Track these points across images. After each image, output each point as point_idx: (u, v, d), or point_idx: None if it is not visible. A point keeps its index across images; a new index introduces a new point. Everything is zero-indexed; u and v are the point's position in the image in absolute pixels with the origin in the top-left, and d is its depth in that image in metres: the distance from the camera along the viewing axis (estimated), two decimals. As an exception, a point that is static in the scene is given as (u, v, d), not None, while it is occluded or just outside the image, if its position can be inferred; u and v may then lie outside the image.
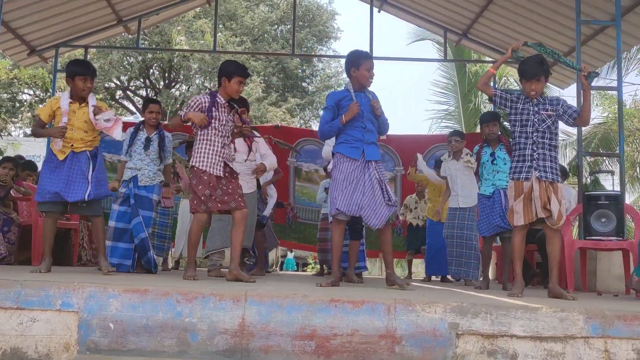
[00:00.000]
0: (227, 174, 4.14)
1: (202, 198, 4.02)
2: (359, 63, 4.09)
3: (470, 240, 5.55)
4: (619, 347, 2.67)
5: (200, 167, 4.05)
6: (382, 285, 4.31)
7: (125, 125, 4.91)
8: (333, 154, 4.15)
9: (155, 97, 17.46)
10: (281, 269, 17.94)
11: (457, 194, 5.61)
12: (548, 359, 2.66)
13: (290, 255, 20.40)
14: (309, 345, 2.63)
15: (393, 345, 2.63)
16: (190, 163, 4.17)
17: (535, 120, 3.83)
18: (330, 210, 4.09)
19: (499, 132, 5.31)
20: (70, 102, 4.20)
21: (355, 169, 4.00)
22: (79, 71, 4.21)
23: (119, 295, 2.70)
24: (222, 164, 4.11)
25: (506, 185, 4.91)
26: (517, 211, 3.82)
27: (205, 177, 4.03)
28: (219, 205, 4.08)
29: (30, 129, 4.61)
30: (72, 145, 4.16)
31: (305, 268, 21.00)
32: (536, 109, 3.84)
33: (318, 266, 7.91)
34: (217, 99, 4.14)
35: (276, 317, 2.66)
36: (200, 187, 4.03)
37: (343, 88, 4.27)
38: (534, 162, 3.81)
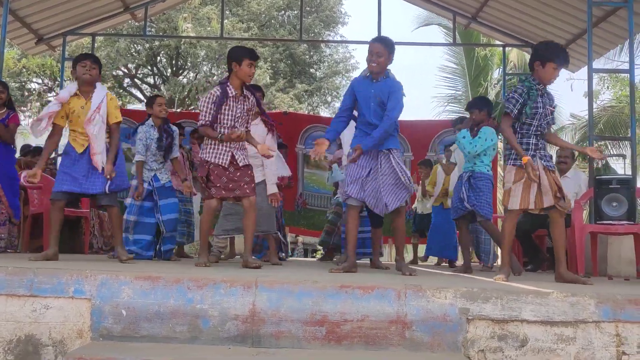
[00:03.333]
0: (235, 163, 4.16)
1: (204, 185, 4.17)
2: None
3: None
4: (631, 331, 2.66)
5: (205, 159, 4.17)
6: (393, 271, 4.32)
7: (134, 113, 4.93)
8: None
9: (158, 90, 17.55)
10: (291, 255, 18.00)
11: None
12: (558, 343, 2.65)
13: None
14: (319, 331, 2.64)
15: (403, 330, 2.64)
16: (199, 155, 4.32)
17: (543, 113, 3.81)
18: (341, 197, 4.17)
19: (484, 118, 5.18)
20: (77, 95, 4.17)
21: (365, 157, 4.04)
22: (79, 58, 4.26)
23: (131, 282, 2.72)
24: (230, 155, 4.15)
25: (481, 170, 4.87)
26: (515, 195, 3.77)
27: (207, 166, 4.15)
28: (223, 192, 4.12)
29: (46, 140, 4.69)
30: (88, 139, 4.14)
31: (314, 254, 21.07)
32: (546, 101, 3.83)
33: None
34: (228, 90, 4.14)
35: (287, 303, 2.67)
36: (200, 175, 4.21)
37: (361, 74, 4.23)
38: (538, 151, 3.80)
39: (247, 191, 4.15)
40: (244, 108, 4.21)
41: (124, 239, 4.88)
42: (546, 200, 3.72)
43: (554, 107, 3.90)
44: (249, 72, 4.16)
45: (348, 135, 4.64)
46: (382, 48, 4.02)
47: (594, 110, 6.97)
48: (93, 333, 2.67)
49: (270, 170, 5.01)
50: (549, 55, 3.76)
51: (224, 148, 4.15)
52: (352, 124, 4.36)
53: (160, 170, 5.14)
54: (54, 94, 16.31)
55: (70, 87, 4.24)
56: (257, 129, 4.98)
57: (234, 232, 5.09)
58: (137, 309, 2.67)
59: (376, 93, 4.02)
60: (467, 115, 5.52)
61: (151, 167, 5.12)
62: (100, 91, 4.22)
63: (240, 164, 4.19)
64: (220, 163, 4.13)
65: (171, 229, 5.12)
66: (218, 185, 4.12)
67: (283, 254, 6.72)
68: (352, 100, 4.17)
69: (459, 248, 5.87)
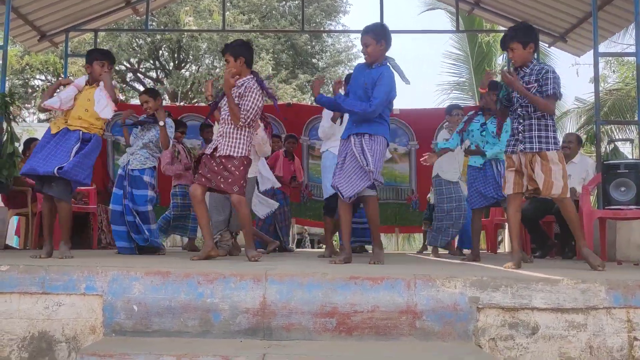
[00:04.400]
0: (217, 155, 4.14)
1: (191, 171, 4.25)
2: None
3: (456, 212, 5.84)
4: (642, 316, 2.66)
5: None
6: (401, 261, 4.32)
7: (137, 108, 4.94)
8: None
9: (161, 84, 17.50)
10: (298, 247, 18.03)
11: (455, 168, 5.79)
12: (570, 330, 2.66)
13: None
14: (330, 322, 2.65)
15: (414, 320, 2.65)
16: None
17: (518, 95, 3.77)
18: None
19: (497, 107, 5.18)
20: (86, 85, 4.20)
21: (343, 144, 4.09)
22: (97, 55, 4.26)
23: (141, 278, 2.73)
24: (215, 145, 4.18)
25: (495, 157, 4.89)
26: (508, 180, 3.85)
27: (202, 156, 4.26)
28: (203, 180, 4.14)
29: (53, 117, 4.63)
30: (66, 122, 4.07)
31: (320, 245, 21.10)
32: (520, 82, 3.75)
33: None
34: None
35: (297, 296, 2.68)
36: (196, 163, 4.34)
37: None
38: (520, 134, 3.78)
39: (222, 186, 4.08)
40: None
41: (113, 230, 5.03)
42: (533, 183, 3.75)
43: (536, 81, 3.71)
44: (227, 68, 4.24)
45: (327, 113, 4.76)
46: (368, 37, 3.97)
47: (599, 93, 6.91)
48: (105, 329, 2.69)
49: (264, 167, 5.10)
50: (533, 37, 3.81)
51: (215, 139, 4.27)
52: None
53: (135, 155, 5.08)
54: (58, 91, 16.32)
55: (81, 79, 4.27)
56: None
57: (224, 227, 5.07)
58: (148, 304, 2.69)
59: (365, 80, 3.98)
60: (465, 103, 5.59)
61: (130, 150, 5.15)
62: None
63: (220, 154, 4.11)
64: (207, 152, 4.22)
65: (131, 219, 4.93)
66: (200, 172, 4.18)
67: (291, 246, 6.76)
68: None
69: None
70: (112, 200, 5.07)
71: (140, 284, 2.72)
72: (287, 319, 2.66)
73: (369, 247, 6.25)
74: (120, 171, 5.11)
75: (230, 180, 4.07)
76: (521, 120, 3.78)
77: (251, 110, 4.10)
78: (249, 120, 4.10)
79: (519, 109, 3.80)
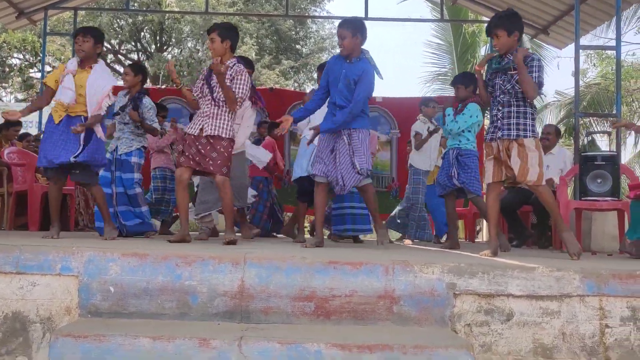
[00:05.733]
0: (207, 135, 4.12)
1: (176, 154, 4.23)
2: None
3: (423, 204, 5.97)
4: (614, 304, 2.72)
5: (185, 130, 4.30)
6: (380, 248, 4.34)
7: (118, 90, 4.83)
8: None
9: (138, 63, 17.21)
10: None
11: (429, 157, 5.86)
12: (544, 317, 2.70)
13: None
14: (308, 306, 2.66)
15: (391, 305, 2.67)
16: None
17: (501, 81, 3.80)
18: (310, 172, 4.35)
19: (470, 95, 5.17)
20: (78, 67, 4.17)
21: (329, 136, 4.16)
22: (76, 32, 4.26)
23: (118, 259, 2.70)
24: (200, 126, 4.14)
25: (467, 147, 4.90)
26: (488, 169, 3.87)
27: (185, 136, 4.24)
28: (191, 162, 4.12)
29: (31, 99, 4.55)
30: (66, 110, 4.10)
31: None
32: (505, 69, 3.78)
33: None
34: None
35: (275, 279, 2.68)
36: (180, 144, 4.31)
37: (338, 53, 4.27)
38: (499, 121, 3.80)
39: (211, 168, 4.08)
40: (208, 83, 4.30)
41: (95, 211, 4.91)
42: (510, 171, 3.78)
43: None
44: (209, 46, 4.21)
45: (318, 112, 4.68)
46: (345, 31, 4.05)
47: (580, 87, 7.01)
48: (81, 310, 2.66)
49: (243, 132, 4.99)
50: (519, 26, 3.83)
51: (198, 119, 4.19)
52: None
53: (122, 140, 5.03)
54: (36, 70, 16.00)
55: (72, 60, 4.26)
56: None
57: (215, 207, 5.05)
58: (125, 286, 2.66)
59: (346, 74, 4.06)
60: (440, 96, 5.64)
61: (117, 135, 5.08)
62: (99, 70, 4.18)
63: (208, 133, 4.10)
64: (191, 133, 4.17)
65: (122, 201, 4.92)
66: (187, 154, 4.14)
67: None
68: (328, 80, 4.19)
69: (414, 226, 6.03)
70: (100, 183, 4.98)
71: (117, 266, 2.69)
72: (266, 302, 2.66)
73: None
74: (108, 155, 4.99)
75: (219, 162, 4.08)
76: (500, 107, 3.79)
77: (245, 92, 4.14)
78: (243, 102, 4.20)
79: (500, 96, 3.80)
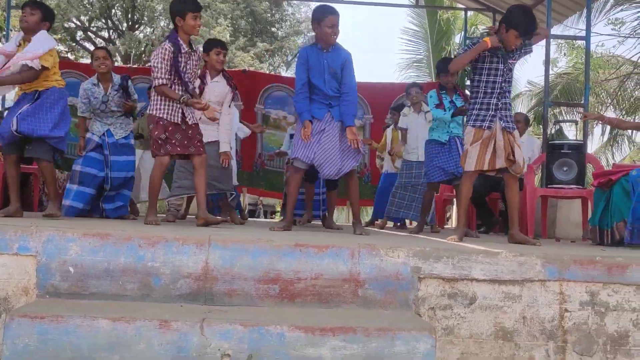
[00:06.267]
0: (186, 120, 4.11)
1: (159, 142, 4.03)
2: (321, 19, 3.98)
3: (422, 188, 5.80)
4: (574, 289, 2.77)
5: (156, 114, 4.04)
6: (349, 231, 4.35)
7: (87, 68, 4.71)
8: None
9: (113, 45, 16.79)
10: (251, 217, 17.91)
11: (417, 147, 5.63)
12: (506, 301, 2.74)
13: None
14: (272, 289, 2.64)
15: (356, 288, 2.67)
16: (147, 111, 4.17)
17: (505, 69, 3.80)
18: (290, 156, 4.19)
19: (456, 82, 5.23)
20: (20, 46, 4.02)
21: (319, 124, 4.07)
22: (25, 4, 4.06)
23: (79, 239, 2.64)
24: (181, 112, 4.08)
25: (458, 134, 4.94)
26: (471, 156, 3.81)
27: (162, 123, 4.04)
28: (179, 149, 4.08)
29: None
30: (21, 88, 4.00)
31: (273, 216, 21.08)
32: (506, 57, 3.80)
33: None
34: (180, 46, 4.03)
35: (240, 262, 2.65)
36: (156, 132, 4.03)
37: (309, 44, 4.22)
38: (499, 111, 3.80)
39: (202, 149, 4.17)
40: (193, 64, 4.16)
41: (68, 189, 4.80)
42: (499, 162, 3.78)
43: (514, 59, 3.82)
44: (195, 24, 4.04)
45: None
46: (337, 18, 3.99)
47: (550, 76, 7.09)
48: (39, 290, 2.60)
49: (224, 128, 4.91)
50: (513, 23, 3.73)
51: (175, 105, 4.07)
52: None
53: (115, 125, 4.93)
54: None
55: (17, 36, 4.10)
56: (218, 86, 4.86)
57: (192, 191, 5.00)
58: (85, 267, 2.60)
59: (329, 63, 4.03)
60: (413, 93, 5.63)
61: (104, 121, 4.93)
62: (37, 41, 3.93)
63: (190, 122, 4.14)
64: (173, 120, 4.06)
65: (116, 185, 4.87)
66: (173, 141, 4.05)
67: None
68: (307, 72, 4.10)
69: (403, 206, 5.99)
70: (85, 163, 4.82)
71: (77, 246, 2.63)
72: (230, 284, 2.63)
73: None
74: (97, 139, 4.88)
75: (202, 142, 4.21)
76: (500, 97, 3.80)
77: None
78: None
79: (503, 84, 3.80)
